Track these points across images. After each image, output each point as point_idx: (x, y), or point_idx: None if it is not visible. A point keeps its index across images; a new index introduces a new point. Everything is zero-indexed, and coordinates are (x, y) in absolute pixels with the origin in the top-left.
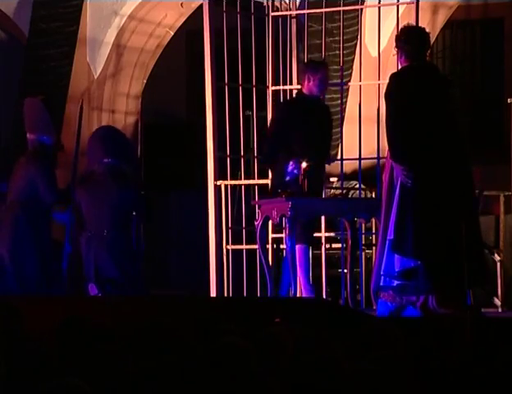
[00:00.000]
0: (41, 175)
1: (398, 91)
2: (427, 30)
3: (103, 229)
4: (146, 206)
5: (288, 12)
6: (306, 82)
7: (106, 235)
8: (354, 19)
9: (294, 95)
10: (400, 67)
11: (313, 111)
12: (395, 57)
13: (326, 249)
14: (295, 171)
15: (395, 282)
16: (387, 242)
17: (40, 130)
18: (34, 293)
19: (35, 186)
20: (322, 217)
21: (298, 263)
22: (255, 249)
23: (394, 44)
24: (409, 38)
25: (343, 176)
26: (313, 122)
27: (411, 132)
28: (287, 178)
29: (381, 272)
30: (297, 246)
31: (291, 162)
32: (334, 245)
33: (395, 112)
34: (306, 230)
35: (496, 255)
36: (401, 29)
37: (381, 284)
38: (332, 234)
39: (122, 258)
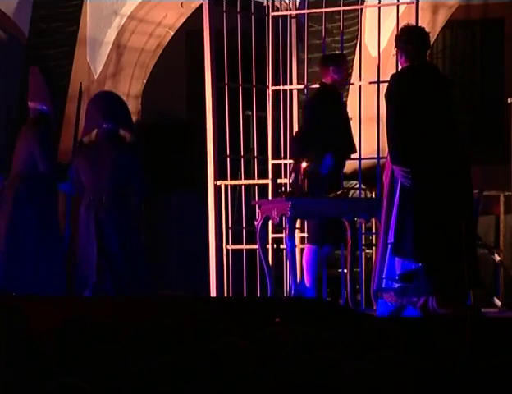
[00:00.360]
0: (38, 143)
1: (398, 92)
2: (427, 30)
3: (102, 195)
4: (144, 177)
5: (288, 12)
6: (331, 74)
7: (105, 201)
8: (354, 19)
9: (319, 88)
10: (400, 68)
11: (342, 101)
12: (395, 57)
13: None
14: (328, 164)
15: (397, 285)
16: (388, 245)
17: (39, 99)
18: (29, 276)
19: (35, 158)
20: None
21: (305, 264)
22: (255, 249)
23: (394, 44)
24: (410, 38)
25: (343, 176)
26: (344, 113)
27: (411, 134)
28: (324, 172)
29: (383, 276)
30: (306, 246)
31: (328, 156)
32: None
33: (396, 114)
34: (320, 230)
35: (495, 255)
36: (401, 29)
37: (383, 286)
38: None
39: (122, 229)
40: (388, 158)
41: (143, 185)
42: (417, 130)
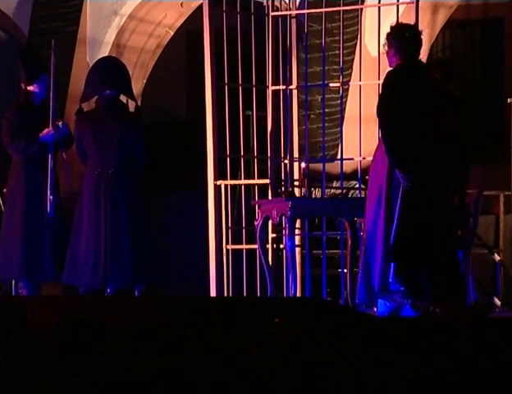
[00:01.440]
0: (3, 121)
1: (395, 92)
2: (427, 30)
3: (110, 166)
4: (145, 145)
5: (288, 12)
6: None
7: (111, 173)
8: (354, 19)
9: None
10: (395, 66)
11: None
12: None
13: (326, 249)
14: None
15: (401, 287)
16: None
17: (21, 78)
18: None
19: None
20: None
21: None
22: (255, 249)
23: (385, 42)
24: (404, 37)
25: (343, 176)
26: None
27: (406, 135)
28: None
29: (390, 279)
30: None
31: None
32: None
33: (392, 116)
34: None
35: (495, 255)
36: (395, 27)
37: (391, 288)
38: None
39: (132, 200)
40: (376, 157)
41: (145, 154)
42: (411, 132)
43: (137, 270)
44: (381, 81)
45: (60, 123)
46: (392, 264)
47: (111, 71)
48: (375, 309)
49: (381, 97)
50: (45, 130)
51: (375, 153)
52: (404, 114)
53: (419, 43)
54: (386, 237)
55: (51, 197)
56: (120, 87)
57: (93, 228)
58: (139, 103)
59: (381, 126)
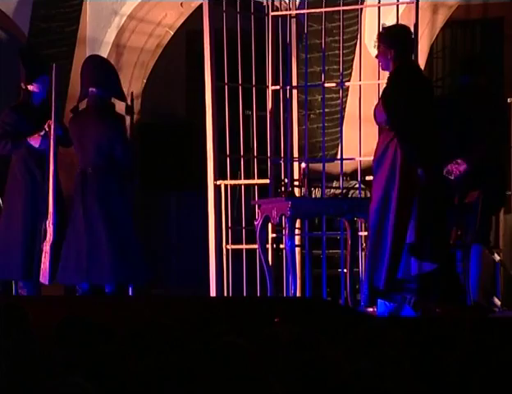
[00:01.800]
0: None
1: (406, 92)
2: (427, 30)
3: (89, 167)
4: (127, 148)
5: (288, 12)
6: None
7: (90, 173)
8: (354, 19)
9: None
10: (395, 67)
11: None
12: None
13: (326, 249)
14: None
15: (414, 285)
16: (405, 246)
17: (21, 78)
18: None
19: None
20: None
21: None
22: (255, 249)
23: (377, 44)
24: (401, 38)
25: (343, 176)
26: None
27: (420, 134)
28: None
29: (398, 276)
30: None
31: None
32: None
33: (407, 115)
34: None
35: (495, 255)
36: (388, 28)
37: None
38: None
39: (111, 200)
40: (378, 156)
41: (125, 156)
42: (427, 131)
43: (119, 270)
44: (381, 81)
45: (47, 125)
46: (402, 262)
47: (96, 69)
48: (375, 309)
49: (390, 97)
50: (32, 137)
51: (375, 153)
52: (413, 113)
53: (413, 44)
54: (394, 238)
55: (52, 222)
56: (105, 86)
57: (73, 228)
58: (139, 102)
59: (395, 127)
